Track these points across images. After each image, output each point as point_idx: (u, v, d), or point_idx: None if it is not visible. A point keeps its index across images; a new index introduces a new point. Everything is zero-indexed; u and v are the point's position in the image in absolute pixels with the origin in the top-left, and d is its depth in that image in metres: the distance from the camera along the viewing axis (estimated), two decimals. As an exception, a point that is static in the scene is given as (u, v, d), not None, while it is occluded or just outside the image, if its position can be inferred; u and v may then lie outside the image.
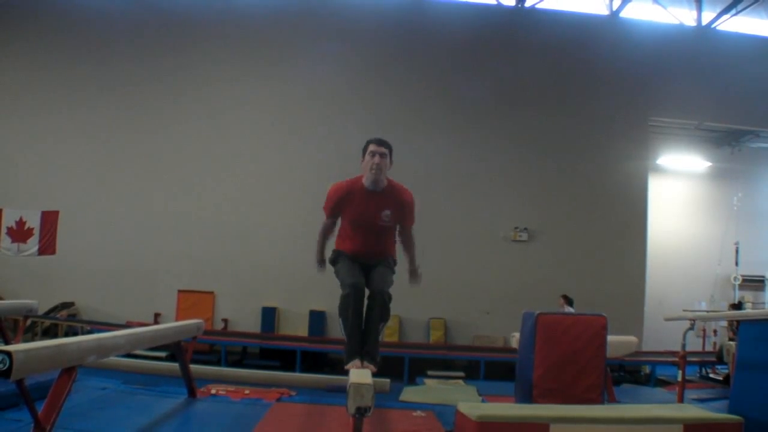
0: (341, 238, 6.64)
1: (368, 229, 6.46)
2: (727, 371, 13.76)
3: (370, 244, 6.53)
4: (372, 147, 6.28)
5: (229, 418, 7.12)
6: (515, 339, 8.81)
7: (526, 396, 7.46)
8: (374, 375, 5.32)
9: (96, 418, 6.46)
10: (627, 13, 20.21)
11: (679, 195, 22.25)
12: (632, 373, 17.21)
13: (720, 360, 14.28)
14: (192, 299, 18.35)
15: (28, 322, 12.64)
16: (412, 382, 14.12)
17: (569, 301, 16.11)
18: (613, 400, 9.31)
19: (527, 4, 19.92)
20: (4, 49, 19.17)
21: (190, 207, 18.50)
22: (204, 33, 19.32)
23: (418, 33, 19.58)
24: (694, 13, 20.52)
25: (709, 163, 22.04)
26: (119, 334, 5.78)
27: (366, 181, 6.33)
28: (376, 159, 6.23)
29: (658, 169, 21.44)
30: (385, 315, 6.38)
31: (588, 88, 19.59)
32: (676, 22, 20.38)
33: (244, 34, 19.34)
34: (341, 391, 6.75)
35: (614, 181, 19.32)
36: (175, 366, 9.23)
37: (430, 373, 15.49)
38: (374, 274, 6.43)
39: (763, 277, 21.62)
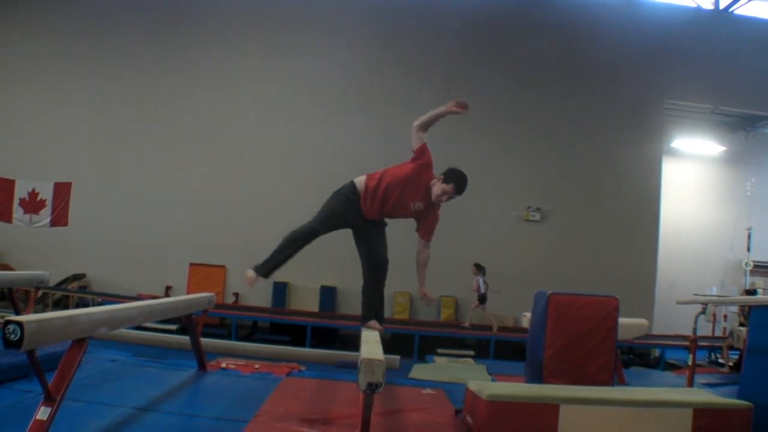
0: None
1: (398, 202, 6.70)
2: (736, 356, 13.72)
3: (386, 212, 6.79)
4: (450, 189, 6.52)
5: (238, 392, 7.12)
6: (526, 318, 8.78)
7: (536, 376, 7.44)
8: (384, 352, 5.31)
9: (106, 389, 6.46)
10: (644, -5, 20.07)
11: (693, 179, 22.19)
12: (642, 356, 17.20)
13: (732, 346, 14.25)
14: (203, 272, 18.41)
15: (40, 293, 12.66)
16: (422, 359, 14.12)
17: (480, 270, 16.20)
18: (622, 382, 9.30)
19: (544, -16, 19.82)
20: (18, 21, 19.20)
21: (203, 180, 18.54)
22: (218, 6, 19.30)
23: (431, 15, 19.51)
24: (712, -4, 20.40)
25: (723, 148, 21.97)
26: (130, 306, 5.77)
27: (433, 195, 6.61)
28: (444, 199, 6.58)
29: (672, 153, 21.39)
30: None
31: (603, 69, 19.51)
32: (693, 5, 20.26)
33: (259, 6, 19.31)
34: (351, 366, 6.76)
35: (628, 163, 19.28)
36: (185, 339, 9.25)
37: (440, 351, 15.50)
38: (379, 246, 6.90)
39: (774, 263, 21.54)
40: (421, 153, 6.64)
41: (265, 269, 6.72)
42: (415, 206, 6.67)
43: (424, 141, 6.66)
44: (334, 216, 6.74)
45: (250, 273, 6.71)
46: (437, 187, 6.52)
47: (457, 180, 6.51)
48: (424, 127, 6.65)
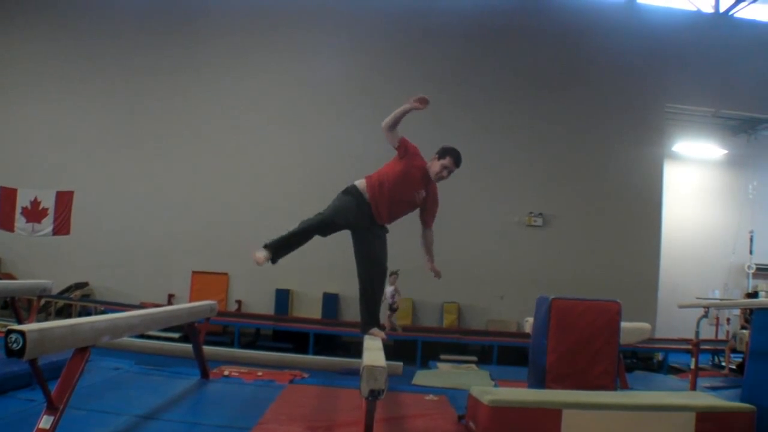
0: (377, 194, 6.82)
1: (403, 198, 6.86)
2: (739, 359, 13.72)
3: (393, 212, 6.93)
4: (448, 162, 6.79)
5: (241, 400, 7.13)
6: (529, 324, 8.75)
7: (539, 381, 7.43)
8: (387, 358, 5.31)
9: (109, 398, 6.47)
10: (644, -1, 20.10)
11: (695, 182, 22.16)
12: (645, 360, 17.19)
13: (734, 349, 14.24)
14: (206, 280, 18.41)
15: (42, 302, 12.64)
16: (425, 365, 14.13)
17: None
18: (625, 386, 9.25)
19: (544, -12, 19.85)
20: (21, 30, 19.22)
21: (205, 188, 18.53)
22: (219, 14, 19.33)
23: (434, 17, 19.51)
24: (711, 0, 20.38)
25: (724, 151, 21.95)
26: (133, 314, 5.78)
27: (432, 174, 6.86)
28: (445, 174, 6.82)
29: (674, 156, 21.38)
30: None
31: (604, 73, 19.52)
32: (693, 8, 20.29)
33: (260, 12, 19.34)
34: (354, 373, 6.77)
35: (630, 167, 19.27)
36: (188, 347, 9.25)
37: (443, 357, 15.49)
38: (380, 251, 6.98)
39: (776, 265, 21.50)
40: (405, 148, 6.79)
41: (275, 251, 6.85)
42: (418, 195, 6.84)
43: (400, 135, 6.78)
44: (348, 211, 6.76)
45: (261, 253, 6.80)
46: (435, 165, 6.77)
47: (452, 153, 6.80)
48: (392, 126, 6.71)
